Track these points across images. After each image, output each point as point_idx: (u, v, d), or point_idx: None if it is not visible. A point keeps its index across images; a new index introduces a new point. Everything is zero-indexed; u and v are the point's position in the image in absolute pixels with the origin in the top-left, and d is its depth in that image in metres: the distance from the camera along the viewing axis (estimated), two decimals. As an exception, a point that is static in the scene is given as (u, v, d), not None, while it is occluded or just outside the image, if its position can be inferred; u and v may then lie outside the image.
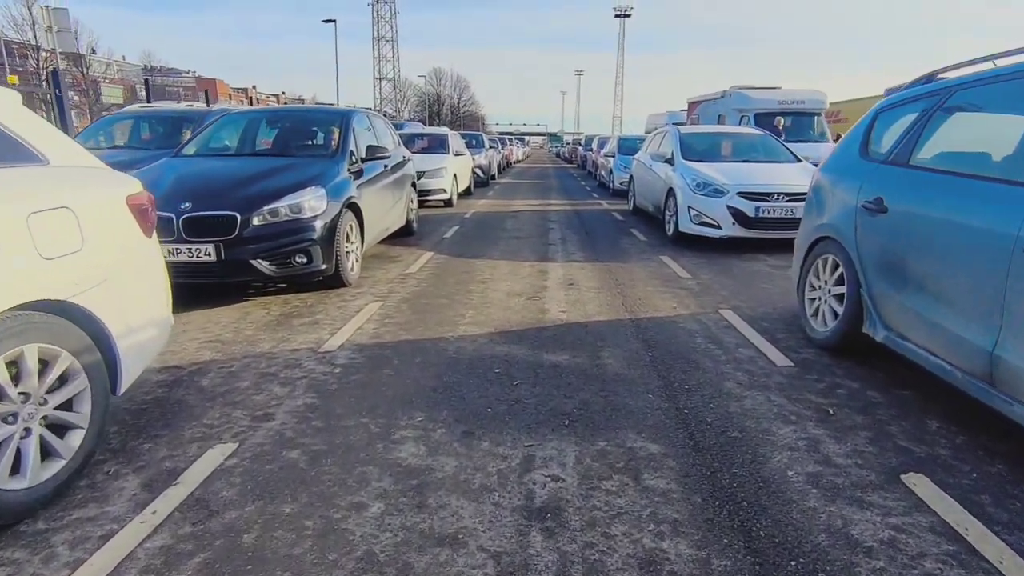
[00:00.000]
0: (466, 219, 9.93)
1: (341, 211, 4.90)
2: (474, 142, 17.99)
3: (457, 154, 12.29)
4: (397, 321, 4.22)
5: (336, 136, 5.70)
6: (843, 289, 3.44)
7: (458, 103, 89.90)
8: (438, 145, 12.31)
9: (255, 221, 4.41)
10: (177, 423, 2.68)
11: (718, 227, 6.87)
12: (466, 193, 14.02)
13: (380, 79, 62.73)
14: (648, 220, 9.58)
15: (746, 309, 4.55)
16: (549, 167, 32.54)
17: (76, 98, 45.70)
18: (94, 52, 52.95)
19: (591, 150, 23.39)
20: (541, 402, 2.91)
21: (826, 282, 3.66)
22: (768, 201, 6.69)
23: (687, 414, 2.79)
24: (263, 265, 4.42)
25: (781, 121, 12.29)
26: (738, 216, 6.73)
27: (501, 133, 51.73)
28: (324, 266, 4.70)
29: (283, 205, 4.52)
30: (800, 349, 3.66)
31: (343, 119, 5.88)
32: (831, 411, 2.82)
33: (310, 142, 6.02)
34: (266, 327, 4.06)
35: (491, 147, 18.18)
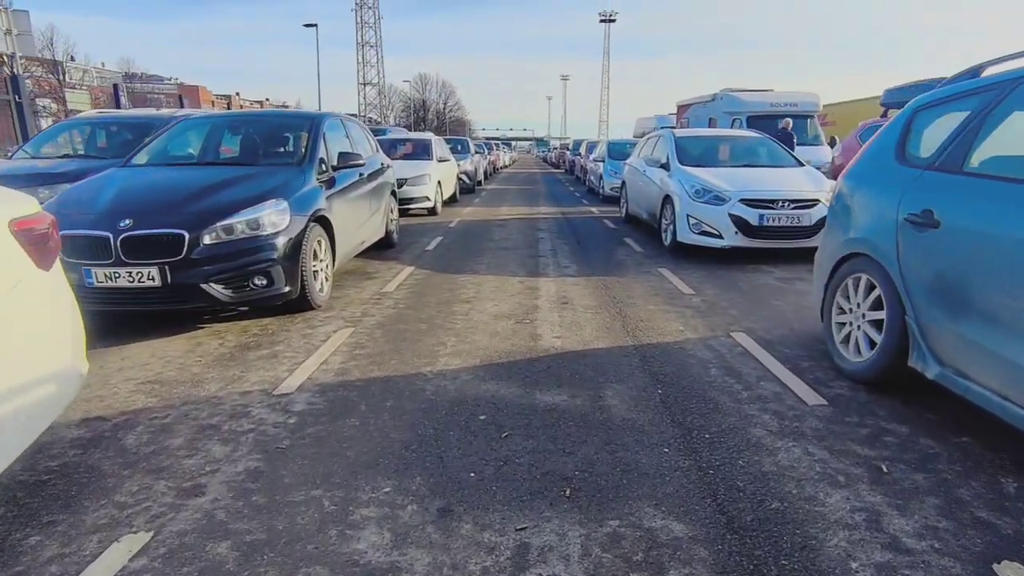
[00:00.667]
0: (451, 228, 9.43)
1: (308, 226, 4.38)
2: (459, 148, 17.52)
3: (441, 160, 11.80)
4: (368, 352, 3.70)
5: (304, 142, 5.18)
6: (882, 314, 2.98)
7: (444, 108, 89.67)
8: (421, 151, 11.80)
9: (206, 240, 3.87)
10: (81, 502, 2.14)
11: (719, 236, 6.42)
12: (451, 200, 13.53)
13: (364, 84, 62.11)
14: (642, 228, 9.14)
15: (761, 331, 4.09)
16: (536, 172, 32.15)
17: (54, 106, 44.64)
18: (72, 59, 51.93)
19: (579, 155, 23.04)
20: (535, 461, 2.41)
21: (858, 305, 3.20)
22: (773, 208, 6.26)
23: (713, 476, 2.30)
24: (216, 289, 3.88)
25: (790, 123, 11.97)
26: (741, 225, 6.29)
27: (488, 138, 51.51)
28: (287, 289, 4.18)
29: (239, 221, 3.99)
30: (831, 383, 3.20)
31: (312, 123, 5.36)
32: (884, 468, 2.35)
33: (278, 149, 5.49)
34: (217, 362, 3.53)
35: (477, 152, 17.71)
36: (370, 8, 60.00)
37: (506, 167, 37.11)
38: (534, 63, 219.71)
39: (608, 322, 4.33)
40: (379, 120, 61.27)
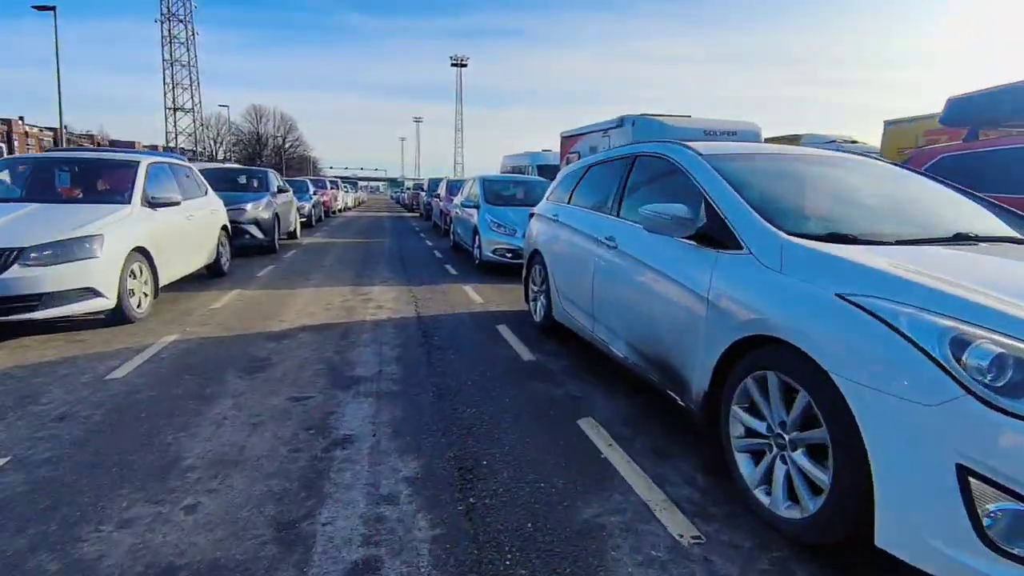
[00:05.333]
0: (104, 386, 3.40)
1: None
2: (255, 183, 11.34)
3: (155, 204, 5.67)
4: None
5: None
6: None
7: (283, 143, 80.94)
8: (99, 190, 5.63)
9: None
10: None
11: None
12: (214, 271, 7.41)
13: (175, 110, 51.72)
14: (603, 361, 3.93)
15: None
16: (385, 216, 26.25)
17: None
18: None
19: (437, 196, 17.77)
20: None
21: None
22: None
23: None
24: None
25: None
26: None
27: (338, 177, 44.71)
28: None
29: None
30: None
31: None
32: None
33: None
34: None
35: (281, 191, 11.62)
36: (181, 21, 50.50)
37: (347, 209, 30.78)
38: (386, 104, 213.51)
39: None
40: (194, 150, 51.36)
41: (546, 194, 5.46)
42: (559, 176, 5.36)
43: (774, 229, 2.35)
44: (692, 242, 2.72)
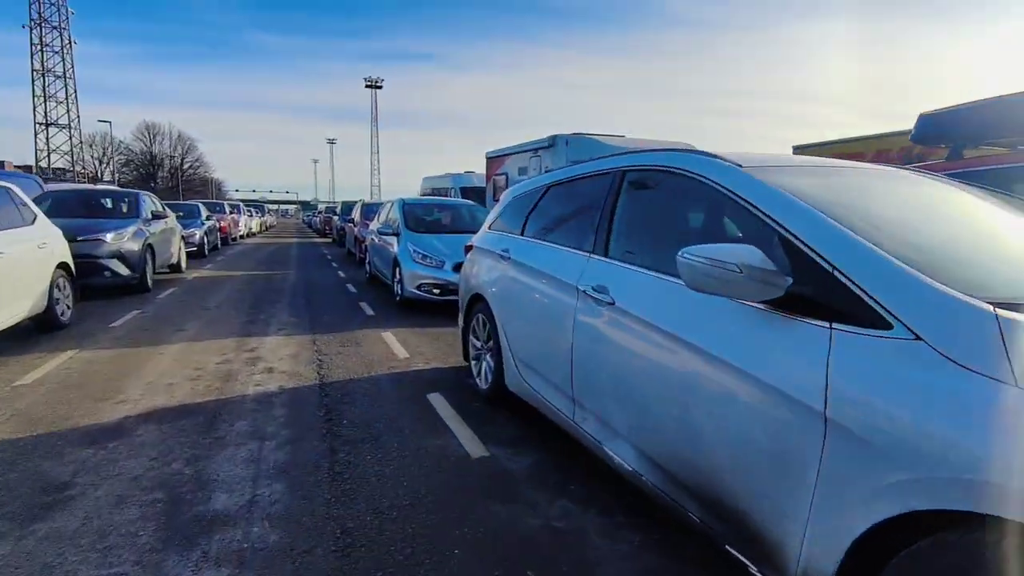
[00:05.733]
0: None
1: None
2: (123, 208, 9.36)
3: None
4: None
5: None
6: None
7: (181, 164, 75.29)
8: None
9: None
10: None
11: None
12: (44, 323, 5.60)
13: (47, 125, 46.05)
14: (580, 454, 2.75)
15: None
16: (294, 243, 23.99)
17: None
18: None
19: (351, 221, 16.21)
20: None
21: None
22: None
23: None
24: None
25: None
26: None
27: (245, 200, 41.31)
28: None
29: None
30: None
31: None
32: None
33: None
34: None
35: (157, 216, 9.60)
36: (55, 28, 45.27)
37: (251, 235, 28.16)
38: (298, 125, 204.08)
39: None
40: (73, 171, 45.96)
41: (487, 222, 4.31)
42: (504, 199, 4.21)
43: (963, 296, 1.29)
44: (763, 307, 1.64)
